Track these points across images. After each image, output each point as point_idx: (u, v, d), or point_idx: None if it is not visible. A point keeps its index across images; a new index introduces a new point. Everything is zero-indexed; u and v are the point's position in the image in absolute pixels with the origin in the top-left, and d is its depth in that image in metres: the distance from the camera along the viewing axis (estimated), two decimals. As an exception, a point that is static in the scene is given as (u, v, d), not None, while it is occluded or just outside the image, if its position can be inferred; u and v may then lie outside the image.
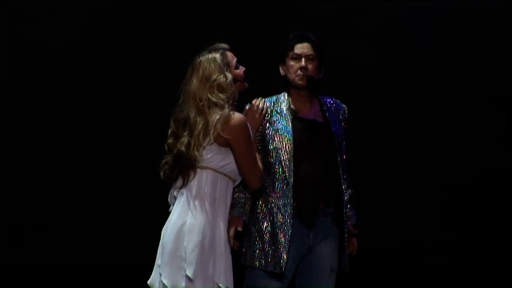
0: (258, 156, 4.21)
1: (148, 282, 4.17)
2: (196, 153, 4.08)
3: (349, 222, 4.43)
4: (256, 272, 4.30)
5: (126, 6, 6.19)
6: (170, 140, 4.18)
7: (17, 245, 6.12)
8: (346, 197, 4.40)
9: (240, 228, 4.24)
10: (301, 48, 4.38)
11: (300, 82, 4.38)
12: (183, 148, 4.11)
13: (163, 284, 4.05)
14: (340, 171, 4.36)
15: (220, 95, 4.12)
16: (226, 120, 4.07)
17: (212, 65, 4.17)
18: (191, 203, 4.10)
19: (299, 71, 4.37)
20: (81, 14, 6.17)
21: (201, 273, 4.02)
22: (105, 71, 6.17)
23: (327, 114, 4.43)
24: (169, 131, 4.20)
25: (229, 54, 4.24)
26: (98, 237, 6.07)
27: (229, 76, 4.17)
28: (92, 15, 6.18)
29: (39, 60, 6.16)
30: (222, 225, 4.11)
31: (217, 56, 4.19)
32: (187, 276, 4.01)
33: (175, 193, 4.20)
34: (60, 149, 6.17)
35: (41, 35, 6.15)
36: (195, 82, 4.16)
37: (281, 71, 4.44)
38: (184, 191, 4.15)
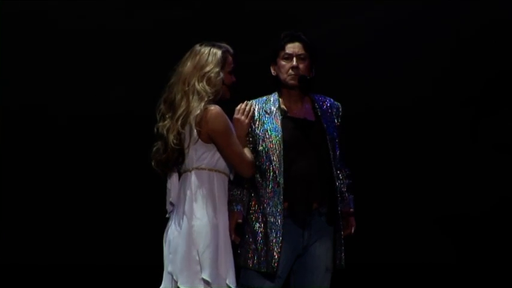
0: (246, 148, 4.22)
1: None
2: (172, 137, 4.10)
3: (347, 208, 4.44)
4: (249, 272, 4.30)
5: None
6: (160, 123, 4.20)
7: (18, 245, 6.12)
8: (343, 187, 4.41)
9: (240, 220, 4.26)
10: (292, 47, 4.36)
11: (292, 82, 4.36)
12: (164, 132, 4.15)
13: None
14: (333, 169, 4.33)
15: (206, 87, 4.12)
16: (203, 115, 4.07)
17: (211, 57, 4.18)
18: (193, 206, 4.10)
19: (290, 71, 4.35)
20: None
21: (216, 274, 4.04)
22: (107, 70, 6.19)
23: (318, 112, 4.41)
24: (160, 113, 4.21)
25: (230, 57, 4.25)
26: (98, 237, 6.06)
27: (222, 74, 4.17)
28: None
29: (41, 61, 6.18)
30: (225, 223, 4.13)
31: (220, 52, 4.20)
32: (203, 280, 4.03)
33: (171, 199, 4.21)
34: (60, 149, 6.16)
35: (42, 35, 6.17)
36: (189, 66, 4.17)
37: (272, 71, 4.43)
38: (183, 195, 4.15)
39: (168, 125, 4.13)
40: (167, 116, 4.15)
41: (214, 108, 4.09)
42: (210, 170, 4.12)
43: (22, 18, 6.16)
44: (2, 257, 6.08)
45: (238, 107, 4.37)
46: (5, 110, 6.16)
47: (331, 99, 4.51)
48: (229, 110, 4.24)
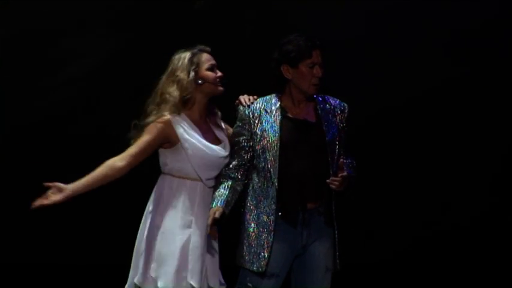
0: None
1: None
2: None
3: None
4: (247, 271, 4.32)
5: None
6: None
7: (18, 245, 6.12)
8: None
9: (217, 216, 4.18)
10: (316, 55, 4.29)
11: (315, 92, 4.35)
12: None
13: None
14: (331, 171, 4.29)
15: (175, 93, 4.22)
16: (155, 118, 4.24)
17: (180, 62, 4.29)
18: (147, 207, 4.34)
19: (314, 80, 4.30)
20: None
21: (135, 275, 4.25)
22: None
23: (320, 113, 4.39)
24: None
25: (204, 55, 4.31)
26: (98, 237, 6.07)
27: (192, 75, 4.23)
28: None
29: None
30: (173, 225, 4.22)
31: (188, 54, 4.30)
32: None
33: None
34: (60, 148, 6.17)
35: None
36: (163, 78, 4.31)
37: (287, 74, 4.33)
38: None
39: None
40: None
41: (160, 117, 4.23)
42: (171, 175, 4.28)
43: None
44: (1, 257, 6.10)
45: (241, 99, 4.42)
46: (4, 109, 6.18)
47: (337, 100, 4.48)
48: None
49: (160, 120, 4.21)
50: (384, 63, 6.14)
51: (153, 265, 4.21)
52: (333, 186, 4.23)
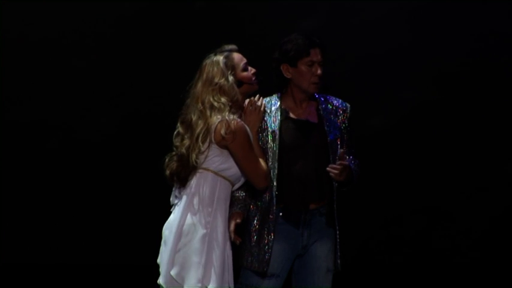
0: (261, 155, 4.22)
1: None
2: (195, 156, 4.12)
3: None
4: (248, 271, 4.33)
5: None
6: (176, 140, 4.22)
7: (18, 245, 6.13)
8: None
9: (239, 221, 4.24)
10: (315, 54, 4.29)
11: (315, 90, 4.35)
12: (184, 150, 4.16)
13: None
14: None
15: (222, 99, 4.14)
16: (228, 125, 4.08)
17: (215, 68, 4.19)
18: (189, 204, 4.14)
19: (313, 78, 4.30)
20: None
21: (185, 275, 4.08)
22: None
23: (322, 113, 4.39)
24: (176, 131, 4.24)
25: (236, 56, 4.25)
26: (98, 237, 6.08)
27: (231, 79, 4.18)
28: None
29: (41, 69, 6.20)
30: (220, 227, 4.14)
31: (221, 58, 4.21)
32: (171, 276, 4.09)
33: (176, 193, 4.23)
34: (60, 148, 6.18)
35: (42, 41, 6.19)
36: (199, 85, 4.20)
37: (287, 73, 4.35)
38: (185, 191, 4.18)
39: (187, 144, 4.15)
40: (186, 136, 4.18)
41: (237, 122, 4.11)
42: (216, 173, 4.15)
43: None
44: (2, 257, 6.10)
45: (247, 101, 4.36)
46: (4, 110, 6.18)
47: (339, 100, 4.47)
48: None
49: (240, 127, 4.11)
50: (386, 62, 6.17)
51: (203, 268, 4.13)
52: (332, 174, 4.22)
